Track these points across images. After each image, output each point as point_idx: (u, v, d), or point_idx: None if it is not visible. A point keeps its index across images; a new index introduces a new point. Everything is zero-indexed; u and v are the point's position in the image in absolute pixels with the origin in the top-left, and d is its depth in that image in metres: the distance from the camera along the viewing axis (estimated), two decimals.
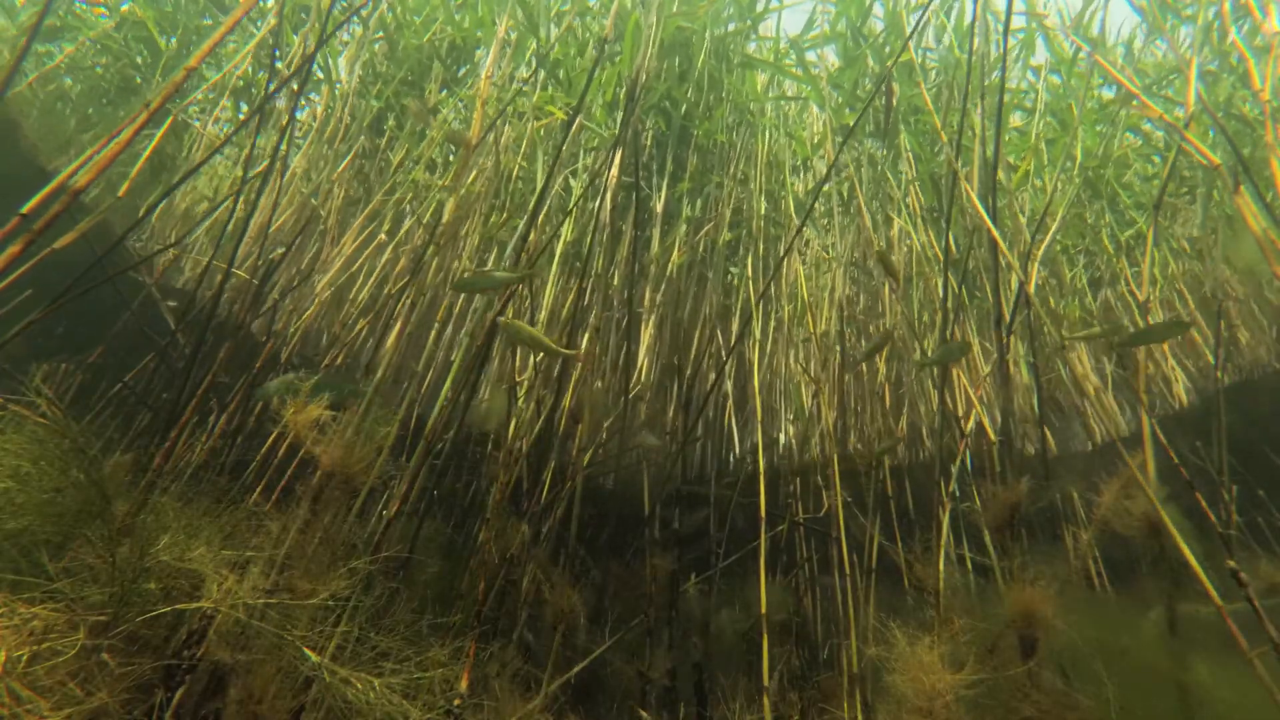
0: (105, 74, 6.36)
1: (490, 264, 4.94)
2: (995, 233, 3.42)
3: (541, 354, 4.44)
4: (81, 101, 6.28)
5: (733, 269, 5.91)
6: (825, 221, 6.42)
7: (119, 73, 6.38)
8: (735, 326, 5.45)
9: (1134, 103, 5.51)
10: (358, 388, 3.09)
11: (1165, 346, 5.07)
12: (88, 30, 6.17)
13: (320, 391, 2.76)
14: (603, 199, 4.30)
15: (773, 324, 5.44)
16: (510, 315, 4.30)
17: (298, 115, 6.28)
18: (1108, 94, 5.77)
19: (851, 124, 5.48)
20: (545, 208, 5.28)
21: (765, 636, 3.16)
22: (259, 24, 6.15)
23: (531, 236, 4.44)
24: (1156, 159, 6.06)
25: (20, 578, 1.95)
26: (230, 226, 4.24)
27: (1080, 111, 5.54)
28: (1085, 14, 5.90)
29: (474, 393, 3.44)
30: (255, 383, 3.61)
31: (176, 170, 5.99)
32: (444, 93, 6.19)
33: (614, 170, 4.30)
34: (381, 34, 6.14)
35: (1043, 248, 4.28)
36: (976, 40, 5.28)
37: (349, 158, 5.76)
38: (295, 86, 5.38)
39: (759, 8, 5.97)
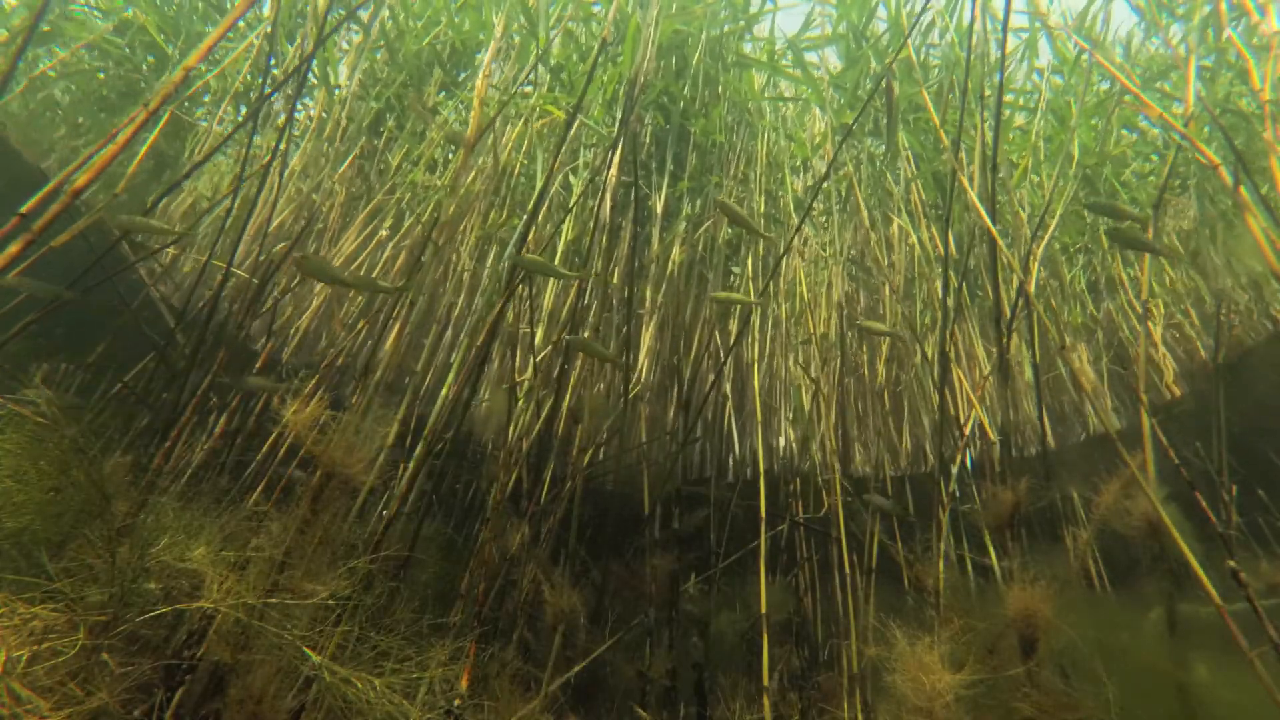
0: (107, 79, 6.29)
1: (489, 262, 4.94)
2: (994, 231, 3.42)
3: (542, 355, 4.44)
4: (71, 110, 6.22)
5: (734, 269, 5.91)
6: (824, 220, 6.42)
7: (122, 78, 6.33)
8: (734, 327, 5.45)
9: (1132, 100, 5.50)
10: None
11: (1159, 339, 5.06)
12: (84, 35, 6.12)
13: None
14: (602, 197, 4.30)
15: (770, 323, 5.43)
16: (511, 317, 4.31)
17: (295, 117, 6.28)
18: (1104, 87, 5.77)
19: (850, 123, 5.48)
20: (545, 205, 5.28)
21: (765, 636, 3.16)
22: (255, 31, 6.17)
23: (531, 235, 4.44)
24: (1155, 157, 6.05)
25: (20, 578, 1.95)
26: (229, 223, 4.24)
27: (1079, 109, 5.54)
28: (1088, 14, 5.90)
29: (474, 392, 3.44)
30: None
31: (179, 170, 5.99)
32: (442, 95, 6.20)
33: (613, 169, 4.30)
34: (383, 43, 6.14)
35: (1043, 245, 4.27)
36: (976, 39, 5.29)
37: (349, 159, 5.76)
38: (290, 91, 5.39)
39: (752, 9, 5.98)
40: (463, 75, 6.38)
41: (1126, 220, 3.34)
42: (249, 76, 6.17)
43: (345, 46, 6.22)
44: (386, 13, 5.95)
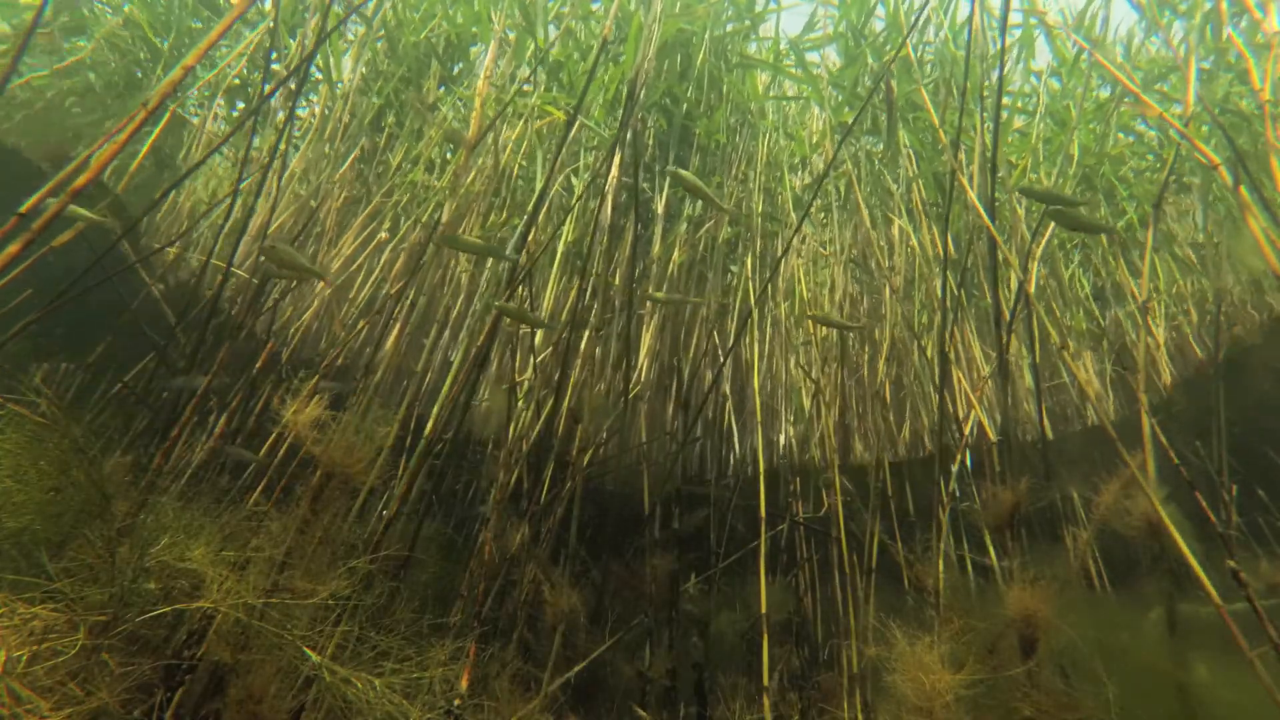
0: (116, 70, 6.60)
1: (489, 263, 4.94)
2: (994, 230, 3.42)
3: (540, 355, 4.44)
4: (102, 94, 6.54)
5: (732, 267, 5.90)
6: (823, 218, 6.42)
7: (124, 69, 6.56)
8: (733, 326, 5.45)
9: (1132, 101, 5.50)
10: None
11: (1161, 342, 5.06)
12: (100, 29, 6.37)
13: None
14: (603, 198, 4.30)
15: (769, 323, 5.43)
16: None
17: (297, 114, 6.32)
18: (1104, 94, 5.78)
19: (850, 121, 5.48)
20: (545, 207, 5.28)
21: (765, 636, 3.16)
22: (252, 28, 6.22)
23: (531, 236, 4.44)
24: (1151, 158, 6.06)
25: (20, 578, 1.95)
26: (229, 224, 4.24)
27: (1078, 111, 5.54)
28: (1086, 14, 5.90)
29: (474, 392, 3.44)
30: (255, 383, 3.61)
31: (177, 169, 6.01)
32: (441, 90, 6.20)
33: (614, 170, 4.30)
34: (383, 32, 6.15)
35: (1042, 246, 4.27)
36: (975, 37, 5.28)
37: (350, 158, 5.76)
38: (293, 86, 5.39)
39: (757, 8, 5.98)
40: (457, 69, 6.39)
41: (1070, 205, 3.35)
42: (245, 71, 6.23)
43: (350, 38, 6.26)
44: (388, 1, 5.98)
